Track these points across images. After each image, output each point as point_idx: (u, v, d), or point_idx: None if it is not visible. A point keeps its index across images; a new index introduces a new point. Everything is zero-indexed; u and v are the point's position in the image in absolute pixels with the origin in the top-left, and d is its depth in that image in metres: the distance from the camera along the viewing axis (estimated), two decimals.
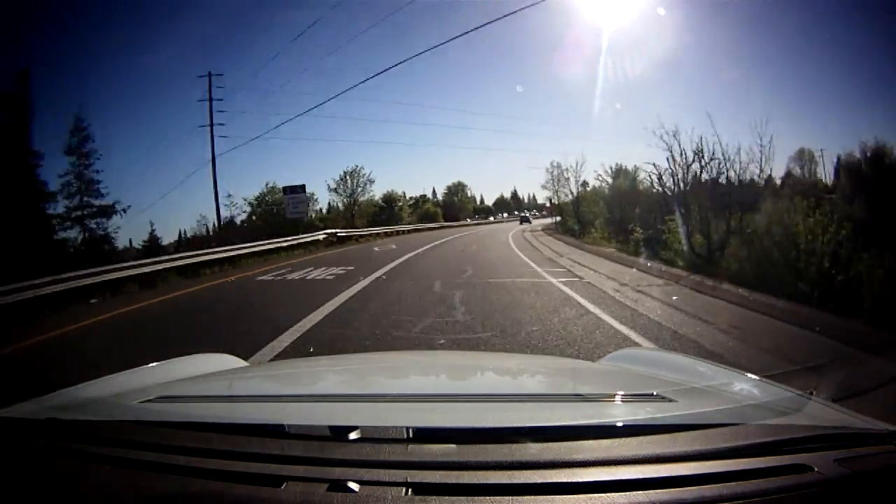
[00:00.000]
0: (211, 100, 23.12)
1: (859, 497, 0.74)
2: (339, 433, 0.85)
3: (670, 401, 1.02)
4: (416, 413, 1.06)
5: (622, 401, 1.13)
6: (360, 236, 25.57)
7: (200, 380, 1.45)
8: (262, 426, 0.92)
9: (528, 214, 57.06)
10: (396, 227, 32.86)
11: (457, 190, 66.86)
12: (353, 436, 0.84)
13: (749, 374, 1.27)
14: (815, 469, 0.75)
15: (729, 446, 0.79)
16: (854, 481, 0.74)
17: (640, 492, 0.70)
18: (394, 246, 17.91)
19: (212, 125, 23.03)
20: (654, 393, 1.08)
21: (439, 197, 64.69)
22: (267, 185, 31.44)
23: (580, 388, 1.38)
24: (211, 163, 23.05)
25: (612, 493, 0.70)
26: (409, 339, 4.73)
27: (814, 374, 3.29)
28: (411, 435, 0.83)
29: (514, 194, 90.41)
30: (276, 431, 0.88)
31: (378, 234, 27.50)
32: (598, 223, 19.10)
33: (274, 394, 1.42)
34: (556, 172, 35.12)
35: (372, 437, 0.84)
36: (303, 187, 26.90)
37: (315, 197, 34.11)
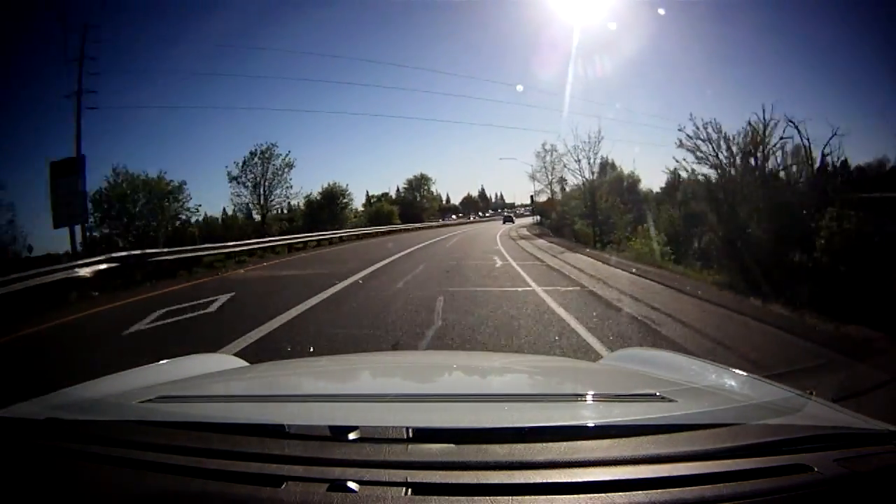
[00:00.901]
0: (82, 59, 14.99)
1: (859, 497, 0.74)
2: (338, 433, 0.85)
3: (670, 401, 1.02)
4: (415, 413, 1.06)
5: (622, 401, 1.13)
6: (234, 253, 14.99)
7: (200, 380, 1.45)
8: (262, 426, 0.92)
9: (510, 213, 56.32)
10: (326, 234, 22.73)
11: (418, 184, 52.79)
12: (352, 436, 0.84)
13: (749, 374, 1.27)
14: (815, 469, 0.75)
15: (729, 446, 0.79)
16: (854, 481, 0.74)
17: (640, 492, 0.70)
18: (214, 307, 7.16)
19: (80, 94, 14.83)
20: (654, 393, 1.08)
21: (401, 193, 52.22)
22: (114, 169, 21.12)
23: (580, 387, 1.38)
24: (75, 144, 14.45)
25: (612, 493, 0.70)
26: None
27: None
28: (411, 435, 0.84)
29: (482, 193, 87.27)
30: (276, 431, 0.89)
31: (279, 245, 17.96)
32: (646, 229, 13.33)
33: (274, 394, 1.42)
34: (549, 157, 27.91)
35: (372, 437, 0.84)
36: (77, 163, 14.48)
37: (183, 187, 23.41)
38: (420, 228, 37.97)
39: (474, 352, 3.99)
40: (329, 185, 35.19)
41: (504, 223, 43.50)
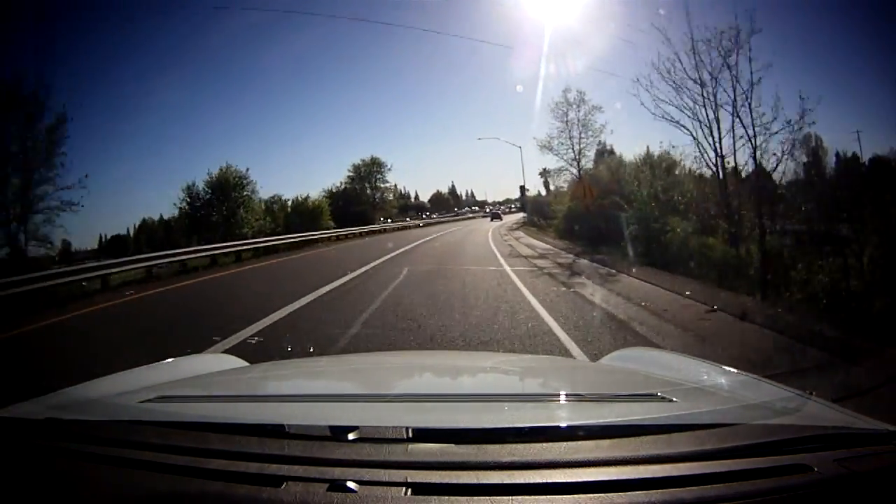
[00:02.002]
0: None
1: (859, 497, 0.74)
2: (338, 433, 0.85)
3: (670, 401, 1.02)
4: (415, 413, 1.07)
5: (622, 401, 1.13)
6: None
7: (200, 380, 1.45)
8: (262, 426, 0.92)
9: (497, 210, 53.92)
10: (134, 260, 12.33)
11: (368, 172, 37.99)
12: (352, 436, 0.84)
13: (749, 374, 1.27)
14: (815, 469, 0.75)
15: (729, 446, 0.79)
16: (854, 481, 0.74)
17: (640, 492, 0.70)
18: None
19: None
20: (655, 393, 1.08)
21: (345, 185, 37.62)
22: None
23: (580, 387, 1.38)
24: None
25: (612, 493, 0.70)
26: None
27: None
28: (411, 435, 0.84)
29: (453, 190, 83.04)
30: (275, 431, 0.89)
31: None
32: None
33: (274, 394, 1.42)
34: (578, 113, 17.32)
35: (371, 437, 0.85)
36: None
37: None
38: (361, 234, 26.35)
39: (474, 352, 3.99)
40: (221, 170, 22.65)
41: (492, 220, 41.94)
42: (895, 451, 0.81)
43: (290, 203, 28.36)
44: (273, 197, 27.31)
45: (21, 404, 1.10)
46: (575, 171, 18.44)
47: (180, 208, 22.97)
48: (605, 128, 17.65)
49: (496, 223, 36.84)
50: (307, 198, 28.84)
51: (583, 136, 17.92)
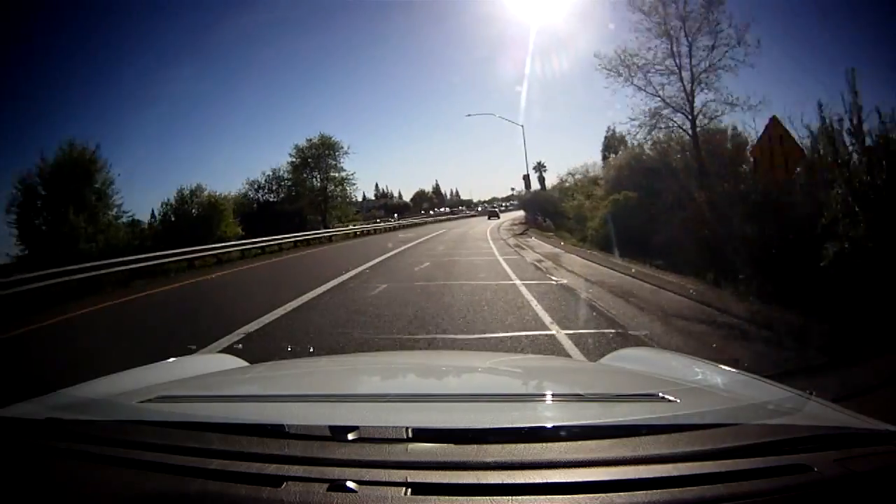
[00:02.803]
0: None
1: (859, 497, 0.74)
2: (338, 433, 0.85)
3: (670, 401, 1.02)
4: (415, 413, 1.07)
5: (623, 401, 1.13)
6: None
7: (200, 380, 1.45)
8: (262, 426, 0.92)
9: (495, 208, 54.32)
10: None
11: (317, 158, 28.01)
12: (352, 436, 0.84)
13: (749, 374, 1.27)
14: (815, 469, 0.75)
15: (729, 446, 0.79)
16: (854, 481, 0.74)
17: (641, 492, 0.70)
18: None
19: None
20: (656, 393, 1.08)
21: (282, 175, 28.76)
22: None
23: (581, 387, 1.37)
24: None
25: (612, 493, 0.70)
26: None
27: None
28: (411, 435, 0.84)
29: (437, 188, 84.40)
30: (275, 431, 0.89)
31: None
32: None
33: (274, 394, 1.42)
34: (682, 12, 9.95)
35: (371, 437, 0.85)
36: None
37: None
38: (281, 248, 16.77)
39: (474, 352, 3.99)
40: (61, 150, 15.49)
41: (489, 218, 42.60)
42: (895, 451, 0.81)
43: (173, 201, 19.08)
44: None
45: (21, 404, 1.10)
46: (683, 121, 9.61)
47: (12, 210, 15.39)
48: (747, 35, 8.65)
49: (494, 221, 37.34)
50: (194, 191, 19.24)
51: (694, 46, 8.88)
